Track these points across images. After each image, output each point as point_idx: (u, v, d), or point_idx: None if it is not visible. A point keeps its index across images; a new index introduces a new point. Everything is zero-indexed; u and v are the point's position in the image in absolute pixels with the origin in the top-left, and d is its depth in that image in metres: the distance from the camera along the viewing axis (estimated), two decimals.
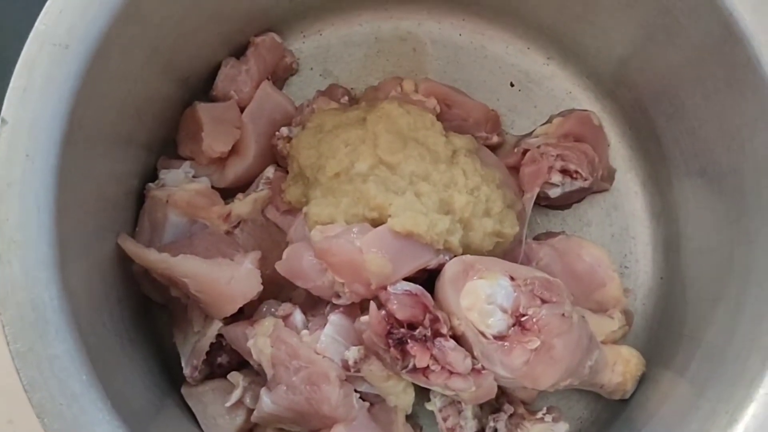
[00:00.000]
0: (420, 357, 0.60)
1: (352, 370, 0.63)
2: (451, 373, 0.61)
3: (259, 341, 0.64)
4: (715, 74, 0.63)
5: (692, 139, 0.70)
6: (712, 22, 0.61)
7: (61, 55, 0.53)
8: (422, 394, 0.67)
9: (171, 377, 0.71)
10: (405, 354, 0.60)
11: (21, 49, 0.53)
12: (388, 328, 0.60)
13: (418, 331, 0.60)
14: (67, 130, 0.53)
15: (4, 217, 0.51)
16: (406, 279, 0.63)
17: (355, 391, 0.64)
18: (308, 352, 0.63)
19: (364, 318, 0.61)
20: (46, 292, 0.51)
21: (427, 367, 0.60)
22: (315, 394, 0.62)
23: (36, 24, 0.53)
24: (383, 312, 0.60)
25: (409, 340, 0.60)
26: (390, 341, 0.60)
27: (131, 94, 0.63)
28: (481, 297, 0.62)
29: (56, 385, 0.50)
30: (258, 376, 0.68)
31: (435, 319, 0.61)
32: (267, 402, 0.63)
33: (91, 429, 0.50)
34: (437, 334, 0.61)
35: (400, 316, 0.60)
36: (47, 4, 0.54)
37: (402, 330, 0.60)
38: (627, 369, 0.70)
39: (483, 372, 0.62)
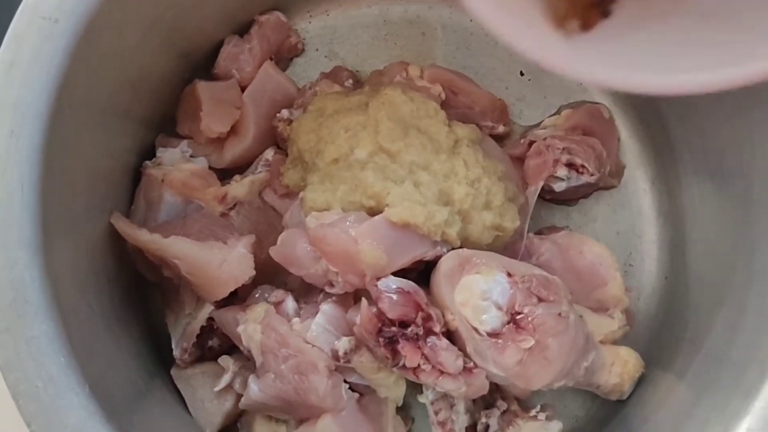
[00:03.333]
0: (410, 357, 0.59)
1: (342, 360, 0.62)
2: (442, 372, 0.59)
3: (249, 327, 0.64)
4: None
5: (703, 141, 0.68)
6: None
7: (49, 30, 0.52)
8: (414, 385, 0.65)
9: (161, 358, 0.70)
10: (396, 353, 0.59)
11: (9, 22, 0.52)
12: (379, 325, 0.59)
13: (409, 330, 0.59)
14: (55, 107, 0.52)
15: None
16: (402, 270, 0.62)
17: (345, 381, 0.63)
18: (297, 341, 0.62)
19: (356, 313, 0.60)
20: (27, 273, 0.50)
21: (418, 365, 0.59)
22: (303, 384, 0.61)
23: None
24: (374, 309, 0.59)
25: (400, 339, 0.59)
26: (380, 339, 0.59)
27: (126, 71, 0.62)
28: (476, 293, 0.60)
29: (33, 367, 0.49)
30: (248, 362, 0.67)
31: (427, 318, 0.59)
32: (255, 390, 0.63)
33: (67, 413, 0.49)
34: (429, 332, 0.59)
35: (391, 315, 0.59)
36: None
37: (393, 329, 0.59)
38: (625, 370, 0.68)
39: (474, 371, 0.60)
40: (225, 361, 0.67)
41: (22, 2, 0.51)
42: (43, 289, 0.50)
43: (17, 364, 0.49)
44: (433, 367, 0.59)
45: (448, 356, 0.59)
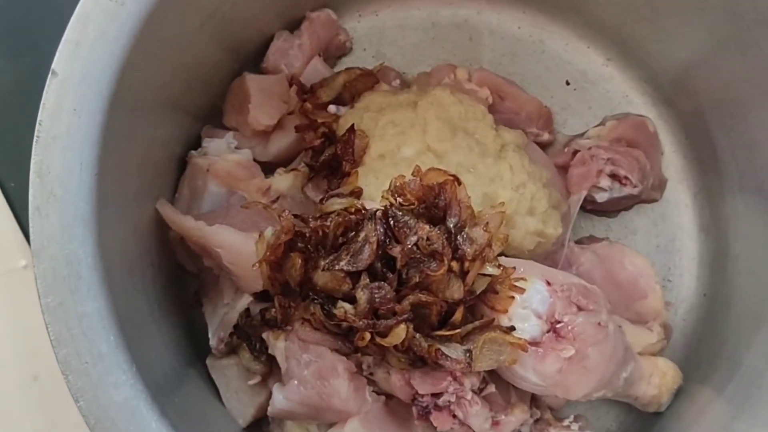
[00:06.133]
0: (442, 425, 0.59)
1: (365, 373, 0.62)
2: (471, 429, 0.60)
3: (272, 334, 0.64)
4: None
5: (751, 154, 0.68)
6: None
7: (116, 12, 0.52)
8: None
9: (196, 348, 0.70)
10: (428, 421, 0.60)
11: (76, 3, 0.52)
12: (413, 393, 0.60)
13: (441, 400, 0.59)
14: (116, 88, 0.53)
15: (46, 170, 0.51)
16: None
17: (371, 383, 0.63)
18: (318, 347, 0.62)
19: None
20: (81, 248, 0.51)
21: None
22: (325, 388, 0.61)
23: None
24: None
25: (432, 411, 0.59)
26: (415, 409, 0.60)
27: (182, 59, 0.63)
28: (516, 300, 0.60)
29: (83, 343, 0.50)
30: None
31: (459, 384, 0.60)
32: (280, 398, 0.61)
33: (115, 390, 0.50)
34: (461, 397, 0.60)
35: (422, 391, 0.59)
36: None
37: (426, 398, 0.60)
38: (663, 381, 0.68)
39: (502, 422, 0.61)
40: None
41: None
42: (95, 265, 0.51)
43: (69, 339, 0.50)
44: (462, 424, 0.60)
45: (476, 419, 0.60)
